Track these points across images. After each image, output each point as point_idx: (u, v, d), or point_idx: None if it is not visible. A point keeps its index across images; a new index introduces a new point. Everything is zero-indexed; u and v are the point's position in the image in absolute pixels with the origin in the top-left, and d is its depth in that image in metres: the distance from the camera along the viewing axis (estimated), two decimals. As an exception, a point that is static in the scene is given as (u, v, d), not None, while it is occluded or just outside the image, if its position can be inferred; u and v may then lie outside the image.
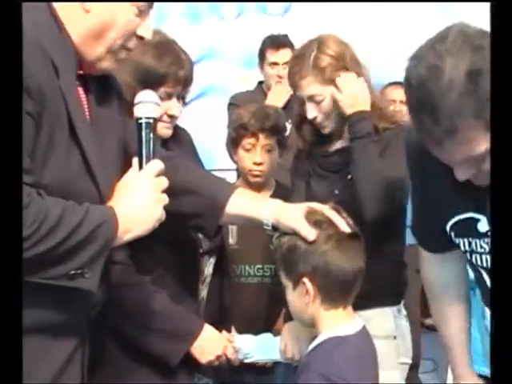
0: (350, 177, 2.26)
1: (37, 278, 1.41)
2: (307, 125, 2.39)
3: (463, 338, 1.93)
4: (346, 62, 2.27)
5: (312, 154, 2.44)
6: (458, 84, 1.40)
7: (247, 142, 2.77)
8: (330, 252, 1.69)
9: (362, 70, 2.31)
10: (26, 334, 1.37)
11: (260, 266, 2.81)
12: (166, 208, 1.60)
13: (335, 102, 2.26)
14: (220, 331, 2.04)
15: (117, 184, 1.59)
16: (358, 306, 1.78)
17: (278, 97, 4.04)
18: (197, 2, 5.34)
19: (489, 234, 1.66)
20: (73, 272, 1.43)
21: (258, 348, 2.02)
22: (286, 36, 4.29)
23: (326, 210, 1.76)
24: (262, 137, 2.75)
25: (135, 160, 1.62)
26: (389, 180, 2.17)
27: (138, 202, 1.55)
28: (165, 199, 1.59)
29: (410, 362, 2.36)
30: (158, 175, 1.60)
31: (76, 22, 1.55)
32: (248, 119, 2.75)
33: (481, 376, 1.95)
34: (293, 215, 1.75)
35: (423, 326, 4.04)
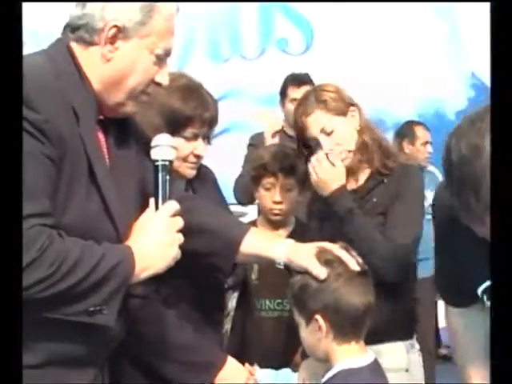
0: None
1: (57, 315, 1.47)
2: None
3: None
4: (345, 96, 2.36)
5: None
6: None
7: (267, 181, 2.80)
8: (341, 289, 1.74)
9: (359, 109, 2.39)
10: (47, 366, 1.44)
11: (280, 301, 2.84)
12: (182, 247, 1.65)
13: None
14: (243, 364, 2.07)
15: (134, 223, 1.65)
16: (370, 341, 1.83)
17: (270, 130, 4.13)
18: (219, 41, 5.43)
19: None
20: (92, 309, 1.49)
21: (278, 382, 2.06)
22: (307, 74, 4.41)
23: (336, 249, 1.82)
24: (281, 176, 2.78)
25: (152, 200, 1.67)
26: (397, 227, 2.22)
27: (154, 241, 1.60)
28: (180, 239, 1.64)
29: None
30: (174, 215, 1.65)
31: (97, 69, 1.62)
32: (268, 159, 2.79)
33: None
34: (304, 255, 1.81)
35: (438, 356, 4.04)
